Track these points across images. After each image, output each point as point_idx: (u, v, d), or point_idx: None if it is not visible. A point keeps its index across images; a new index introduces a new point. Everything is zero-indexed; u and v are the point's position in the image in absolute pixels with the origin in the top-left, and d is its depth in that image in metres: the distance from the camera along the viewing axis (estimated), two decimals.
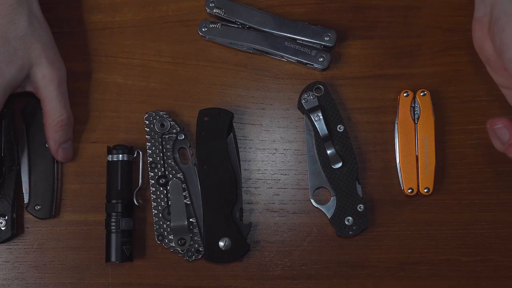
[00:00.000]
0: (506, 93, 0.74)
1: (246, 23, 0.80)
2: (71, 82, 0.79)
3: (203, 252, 0.79)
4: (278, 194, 0.81)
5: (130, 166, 0.80)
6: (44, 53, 0.74)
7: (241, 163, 0.81)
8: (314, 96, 0.80)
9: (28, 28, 0.74)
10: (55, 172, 0.80)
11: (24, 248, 0.81)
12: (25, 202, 0.80)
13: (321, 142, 0.79)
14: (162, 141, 0.80)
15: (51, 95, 0.75)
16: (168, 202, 0.79)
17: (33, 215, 0.80)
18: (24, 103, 0.80)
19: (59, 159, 0.79)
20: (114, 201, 0.78)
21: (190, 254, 0.79)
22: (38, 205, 0.79)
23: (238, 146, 0.81)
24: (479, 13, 0.72)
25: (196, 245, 0.79)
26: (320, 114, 0.79)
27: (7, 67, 0.73)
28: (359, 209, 0.78)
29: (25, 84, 0.75)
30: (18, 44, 0.73)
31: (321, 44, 0.80)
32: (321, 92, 0.80)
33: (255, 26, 0.80)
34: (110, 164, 0.79)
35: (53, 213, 0.80)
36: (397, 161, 0.79)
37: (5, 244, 0.80)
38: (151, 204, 0.79)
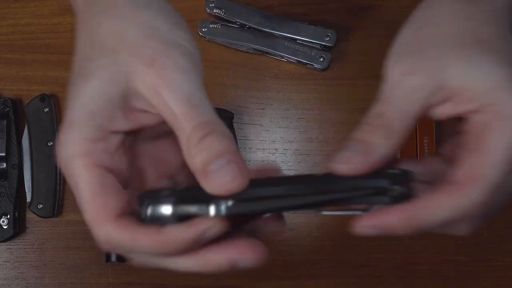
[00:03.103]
0: None
1: (246, 23, 0.80)
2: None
3: None
4: None
5: None
6: None
7: None
8: None
9: None
10: (58, 170, 0.80)
11: (25, 248, 0.81)
12: (27, 200, 0.80)
13: None
14: None
15: None
16: None
17: (35, 213, 0.80)
18: (27, 101, 0.81)
19: None
20: None
21: None
22: (41, 203, 0.80)
23: (238, 146, 0.81)
24: None
25: None
26: None
27: None
28: None
29: None
30: None
31: (321, 44, 0.80)
32: None
33: (255, 26, 0.80)
34: None
35: (55, 212, 0.80)
36: None
37: (6, 244, 0.81)
38: None
